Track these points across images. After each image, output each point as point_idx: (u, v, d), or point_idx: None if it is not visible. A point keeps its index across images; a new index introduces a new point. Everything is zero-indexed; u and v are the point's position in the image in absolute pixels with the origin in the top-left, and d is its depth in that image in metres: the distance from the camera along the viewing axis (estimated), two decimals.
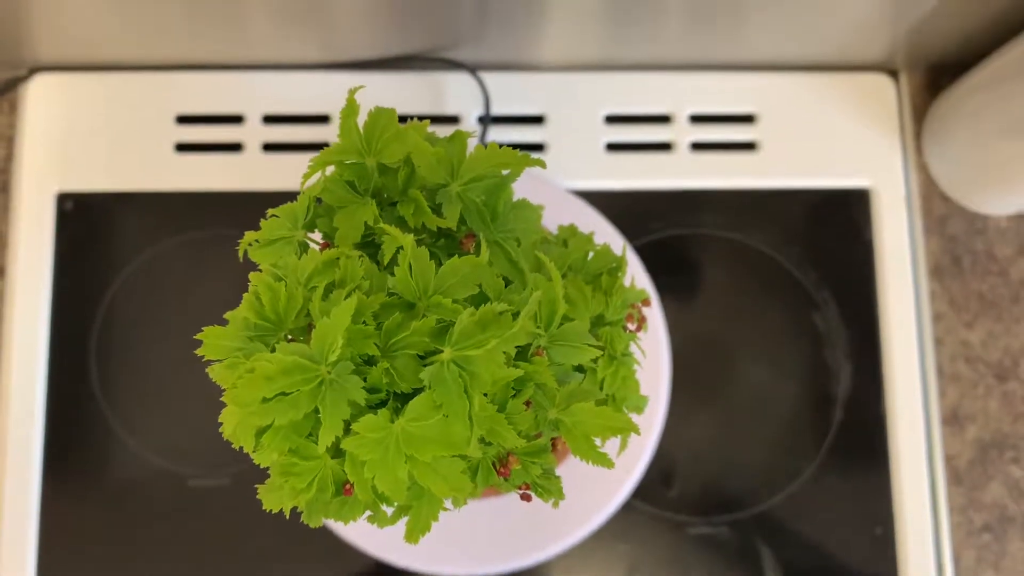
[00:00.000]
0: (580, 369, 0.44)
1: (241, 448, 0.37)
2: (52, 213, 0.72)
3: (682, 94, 0.76)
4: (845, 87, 0.77)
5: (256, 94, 0.75)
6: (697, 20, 0.69)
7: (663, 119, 0.76)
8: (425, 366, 0.36)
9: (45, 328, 0.70)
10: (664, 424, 0.66)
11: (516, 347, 0.37)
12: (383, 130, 0.40)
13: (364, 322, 0.37)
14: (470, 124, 0.74)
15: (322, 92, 0.75)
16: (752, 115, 0.76)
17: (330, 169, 0.42)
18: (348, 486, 0.39)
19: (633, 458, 0.64)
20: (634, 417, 0.46)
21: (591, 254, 0.49)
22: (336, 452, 0.38)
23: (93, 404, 0.70)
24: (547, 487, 0.43)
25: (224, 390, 0.37)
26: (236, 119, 0.75)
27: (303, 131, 0.75)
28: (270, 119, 0.75)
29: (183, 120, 0.75)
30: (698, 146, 0.75)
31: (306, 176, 0.41)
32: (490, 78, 0.75)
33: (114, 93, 0.75)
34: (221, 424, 0.37)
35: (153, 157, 0.74)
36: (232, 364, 0.38)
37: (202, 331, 0.38)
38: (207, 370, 0.39)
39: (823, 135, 0.76)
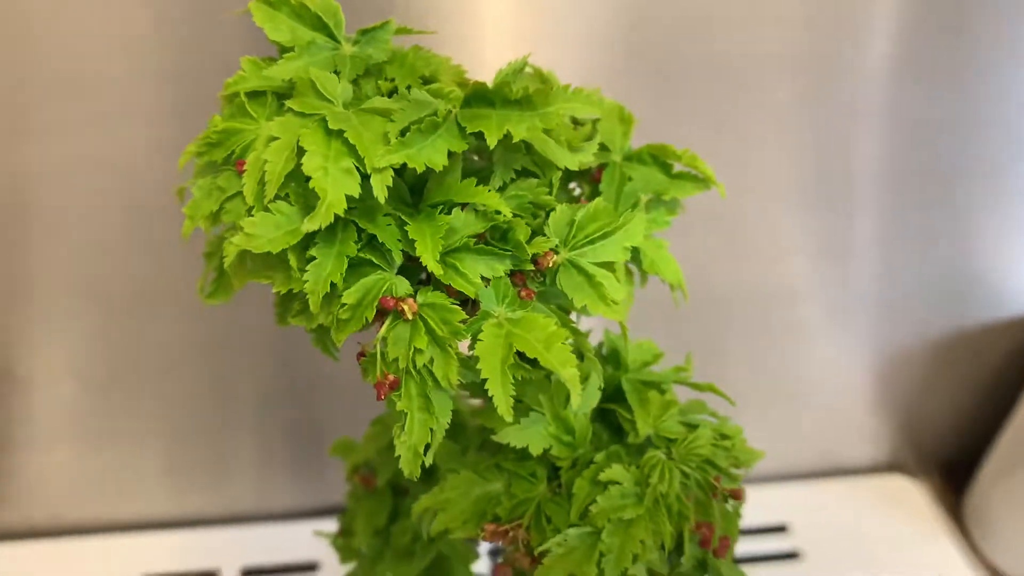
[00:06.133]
0: None
1: None
2: None
3: None
4: (867, 489, 0.79)
5: (233, 546, 0.74)
6: None
7: None
8: None
9: None
10: None
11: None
12: None
13: None
14: None
15: (307, 540, 0.72)
16: (783, 525, 0.75)
17: None
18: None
19: None
20: None
21: None
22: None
23: None
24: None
25: None
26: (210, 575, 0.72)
27: None
28: (251, 572, 0.73)
29: None
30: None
31: None
32: None
33: (74, 558, 0.72)
34: None
35: None
36: None
37: None
38: None
39: (860, 538, 0.74)
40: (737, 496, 0.42)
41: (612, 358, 0.46)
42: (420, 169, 0.34)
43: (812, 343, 0.76)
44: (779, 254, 0.72)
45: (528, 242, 0.36)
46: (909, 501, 0.78)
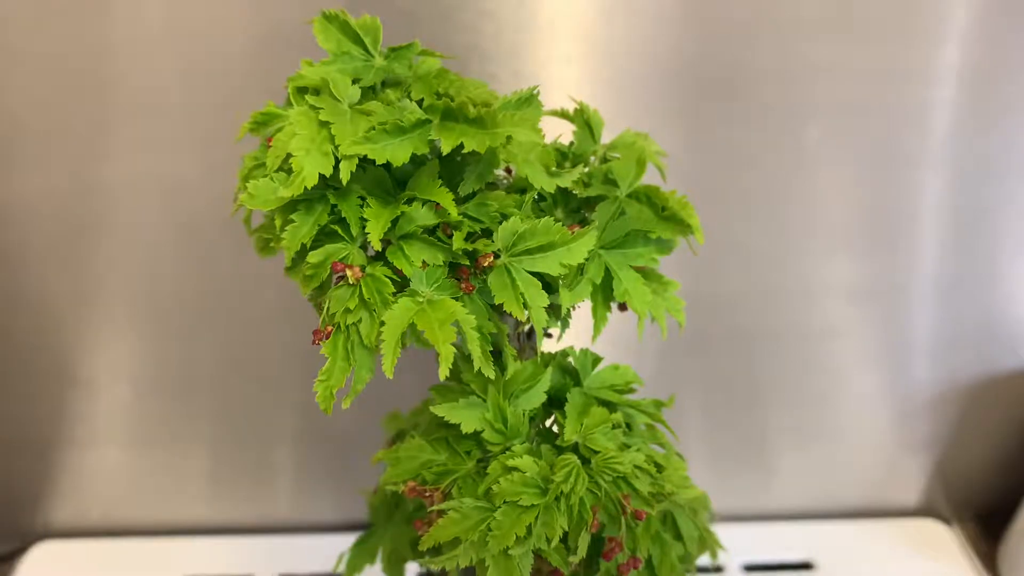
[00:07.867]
0: None
1: None
2: None
3: (732, 543, 0.73)
4: (897, 532, 0.78)
5: (270, 554, 0.78)
6: (722, 473, 0.77)
7: (715, 570, 0.73)
8: None
9: None
10: None
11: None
12: None
13: None
14: None
15: (340, 551, 0.70)
16: (809, 563, 0.75)
17: None
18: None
19: None
20: None
21: None
22: None
23: None
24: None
25: None
26: None
27: None
28: None
29: None
30: None
31: None
32: None
33: (115, 559, 0.77)
34: None
35: None
36: None
37: None
38: None
39: None
40: (639, 516, 0.44)
41: (572, 372, 0.50)
42: (380, 161, 0.41)
43: (849, 383, 0.76)
44: (817, 293, 0.72)
45: (473, 243, 0.42)
46: (941, 546, 0.76)
